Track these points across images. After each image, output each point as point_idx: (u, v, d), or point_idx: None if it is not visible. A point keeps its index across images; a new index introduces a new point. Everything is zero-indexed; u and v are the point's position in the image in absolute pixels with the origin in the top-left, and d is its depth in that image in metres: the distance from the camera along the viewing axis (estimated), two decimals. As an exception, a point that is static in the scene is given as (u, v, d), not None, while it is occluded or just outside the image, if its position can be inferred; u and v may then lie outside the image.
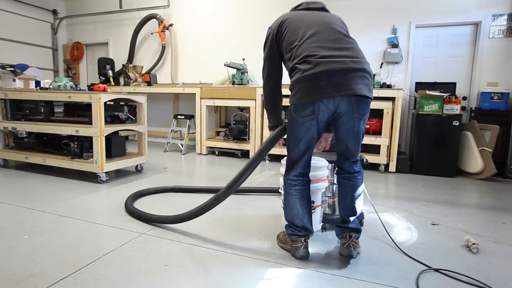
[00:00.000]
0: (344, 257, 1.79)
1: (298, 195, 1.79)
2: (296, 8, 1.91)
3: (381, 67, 4.83)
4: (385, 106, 4.03)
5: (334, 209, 2.23)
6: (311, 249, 1.86)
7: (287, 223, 1.86)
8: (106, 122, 3.28)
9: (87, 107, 3.24)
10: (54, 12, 7.15)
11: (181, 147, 5.30)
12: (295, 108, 1.68)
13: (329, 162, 2.15)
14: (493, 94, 4.15)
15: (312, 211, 2.01)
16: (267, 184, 3.39)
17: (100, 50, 7.21)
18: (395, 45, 4.70)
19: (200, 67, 6.07)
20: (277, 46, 1.83)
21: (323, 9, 1.88)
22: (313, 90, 1.59)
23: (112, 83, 6.29)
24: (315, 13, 1.81)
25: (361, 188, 1.82)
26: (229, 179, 1.96)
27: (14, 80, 3.94)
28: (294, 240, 1.81)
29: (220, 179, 3.55)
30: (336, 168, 1.91)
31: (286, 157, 1.87)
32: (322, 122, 1.66)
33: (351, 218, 1.81)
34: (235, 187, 1.92)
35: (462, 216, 2.60)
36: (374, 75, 1.79)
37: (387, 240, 2.05)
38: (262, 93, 4.70)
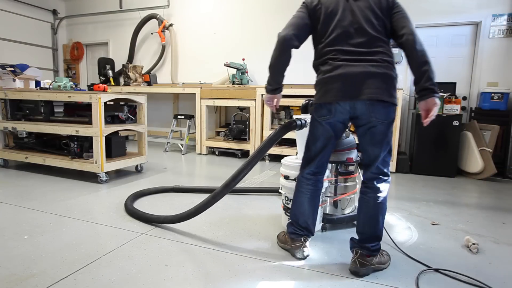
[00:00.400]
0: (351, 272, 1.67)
1: (308, 195, 1.79)
2: None
3: (381, 67, 4.82)
4: (385, 106, 4.03)
5: (336, 207, 2.24)
6: (311, 249, 1.86)
7: (290, 221, 1.87)
8: (106, 122, 3.28)
9: (87, 107, 3.24)
10: (54, 12, 7.15)
11: (181, 147, 5.30)
12: (315, 108, 1.72)
13: (329, 162, 2.15)
14: (493, 94, 4.15)
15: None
16: (267, 184, 3.39)
17: (100, 50, 7.21)
18: (395, 45, 4.70)
19: (200, 67, 6.07)
20: (308, 18, 1.73)
21: None
22: (329, 92, 1.61)
23: (112, 83, 6.29)
24: (348, 4, 1.65)
25: (379, 211, 1.64)
26: (229, 179, 1.96)
27: (14, 80, 3.94)
28: (293, 239, 1.82)
29: (220, 179, 3.54)
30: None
31: (303, 155, 1.84)
32: (339, 123, 1.67)
33: (360, 236, 1.70)
34: (232, 185, 1.92)
35: (462, 216, 2.60)
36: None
37: (387, 240, 2.05)
38: (263, 93, 4.69)
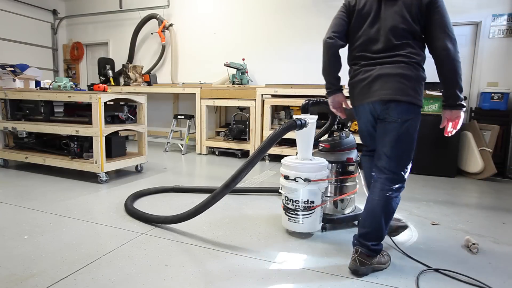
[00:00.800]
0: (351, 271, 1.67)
1: (365, 164, 2.02)
2: None
3: (381, 67, 4.82)
4: (385, 106, 4.02)
5: (336, 207, 2.24)
6: (311, 250, 1.86)
7: None
8: (106, 122, 3.28)
9: (87, 107, 3.24)
10: (54, 12, 7.15)
11: (181, 147, 5.30)
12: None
13: (329, 162, 2.15)
14: (493, 94, 4.15)
15: (312, 211, 2.02)
16: (267, 184, 3.39)
17: (100, 50, 7.21)
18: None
19: (200, 67, 6.07)
20: (347, 17, 1.80)
21: None
22: (353, 96, 1.79)
23: (112, 83, 6.29)
24: (380, 9, 1.69)
25: (382, 209, 1.63)
26: (229, 179, 1.95)
27: (14, 80, 3.94)
28: None
29: (220, 179, 3.54)
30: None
31: None
32: (366, 123, 1.80)
33: (360, 231, 1.69)
34: (232, 185, 1.92)
35: (462, 216, 2.60)
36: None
37: (387, 240, 2.04)
38: (263, 93, 4.70)
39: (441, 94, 4.07)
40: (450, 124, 1.64)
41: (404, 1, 1.64)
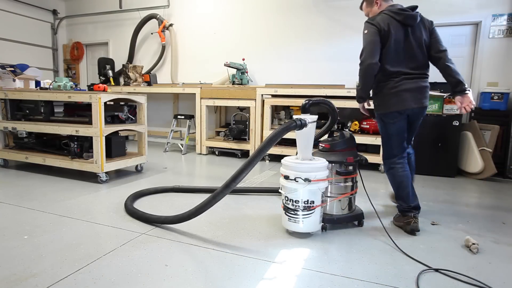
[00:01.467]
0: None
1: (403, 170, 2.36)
2: (395, 14, 2.21)
3: (381, 67, 4.82)
4: (385, 106, 4.03)
5: (336, 207, 2.24)
6: (311, 250, 1.86)
7: (397, 204, 2.35)
8: (106, 122, 3.28)
9: (87, 107, 3.24)
10: (54, 12, 7.16)
11: (181, 147, 5.30)
12: (387, 114, 2.28)
13: (329, 162, 2.15)
14: (493, 94, 4.15)
15: (312, 211, 2.02)
16: (267, 184, 3.39)
17: (100, 50, 7.21)
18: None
19: (200, 67, 6.07)
20: (380, 41, 2.18)
21: (418, 20, 2.23)
22: (399, 101, 2.21)
23: (112, 83, 6.29)
24: (408, 35, 2.19)
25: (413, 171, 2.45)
26: (229, 179, 1.95)
27: (14, 80, 3.94)
28: (405, 216, 2.25)
29: (220, 179, 3.54)
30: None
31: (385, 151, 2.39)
32: (402, 120, 2.28)
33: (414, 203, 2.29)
34: (233, 185, 1.92)
35: (462, 216, 2.60)
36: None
37: (387, 240, 2.05)
38: (263, 93, 4.70)
39: (441, 94, 4.09)
40: (466, 107, 2.17)
41: (420, 29, 2.22)
